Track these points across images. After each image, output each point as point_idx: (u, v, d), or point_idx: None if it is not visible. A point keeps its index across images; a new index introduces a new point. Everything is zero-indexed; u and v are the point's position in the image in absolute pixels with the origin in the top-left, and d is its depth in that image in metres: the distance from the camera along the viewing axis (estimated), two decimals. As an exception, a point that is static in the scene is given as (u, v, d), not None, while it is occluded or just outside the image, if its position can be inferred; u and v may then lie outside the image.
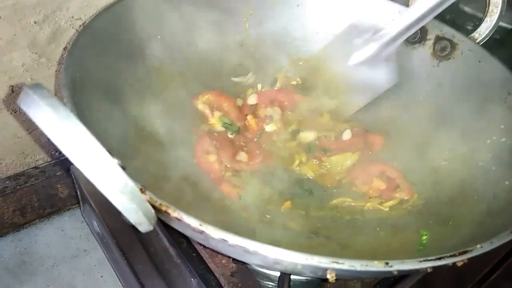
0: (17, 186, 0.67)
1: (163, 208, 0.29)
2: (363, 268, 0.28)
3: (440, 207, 0.47)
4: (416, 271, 0.32)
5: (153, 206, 0.29)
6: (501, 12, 0.55)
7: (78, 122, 0.24)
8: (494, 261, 0.52)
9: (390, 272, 0.28)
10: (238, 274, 0.46)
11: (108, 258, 0.60)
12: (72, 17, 0.62)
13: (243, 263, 0.47)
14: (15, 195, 0.67)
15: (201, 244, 0.47)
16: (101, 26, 0.49)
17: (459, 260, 0.30)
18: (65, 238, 0.69)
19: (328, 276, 0.29)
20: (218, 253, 0.46)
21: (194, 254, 0.49)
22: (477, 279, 0.51)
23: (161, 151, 0.49)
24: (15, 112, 0.63)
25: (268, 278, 0.48)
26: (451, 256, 0.29)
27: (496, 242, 0.31)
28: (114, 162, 0.25)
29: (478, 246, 0.30)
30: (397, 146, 0.57)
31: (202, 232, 0.28)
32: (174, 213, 0.29)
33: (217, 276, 0.47)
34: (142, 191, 0.28)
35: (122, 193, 0.25)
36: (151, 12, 0.55)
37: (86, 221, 0.68)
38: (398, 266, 0.28)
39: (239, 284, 0.45)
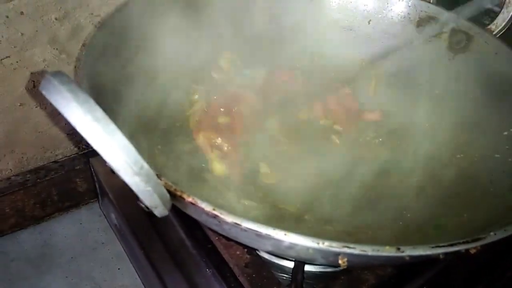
0: (38, 180, 0.68)
1: (178, 193, 0.29)
2: (374, 253, 0.28)
3: (455, 199, 0.47)
4: (429, 259, 0.31)
5: (168, 191, 0.29)
6: (518, 3, 0.54)
7: (97, 106, 0.25)
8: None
9: (402, 257, 0.28)
10: (252, 265, 0.47)
11: (125, 250, 0.61)
12: (92, 13, 0.64)
13: (257, 254, 0.48)
14: (36, 188, 0.69)
15: (214, 231, 0.47)
16: (116, 23, 0.50)
17: (472, 247, 0.29)
18: (83, 231, 0.70)
19: (340, 262, 0.29)
20: (232, 241, 0.46)
21: (210, 246, 0.50)
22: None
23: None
24: (36, 107, 0.65)
25: (282, 269, 0.48)
26: (464, 242, 0.29)
27: (510, 230, 0.31)
28: (130, 145, 0.25)
29: (492, 233, 0.30)
30: (412, 138, 0.56)
31: (215, 216, 0.29)
32: (189, 198, 0.29)
33: (232, 266, 0.47)
34: (158, 176, 0.29)
35: (138, 175, 0.26)
36: (167, 10, 0.56)
37: (104, 214, 0.69)
38: (409, 251, 0.28)
39: (253, 275, 0.46)
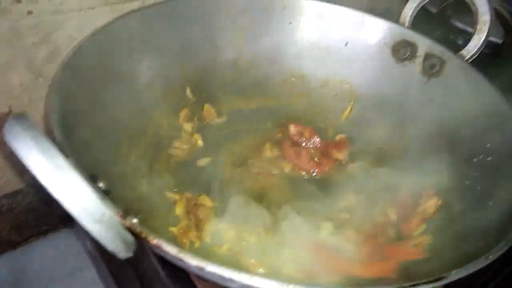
0: (14, 204, 0.68)
1: (143, 235, 0.29)
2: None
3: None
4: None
5: (133, 232, 0.29)
6: (489, 30, 0.56)
7: (59, 154, 0.25)
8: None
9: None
10: (227, 295, 0.46)
11: (99, 277, 0.61)
12: (70, 37, 0.63)
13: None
14: (12, 212, 0.68)
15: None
16: (93, 46, 0.50)
17: (435, 286, 0.30)
18: (60, 256, 0.69)
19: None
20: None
21: (183, 274, 0.50)
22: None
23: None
24: (12, 131, 0.64)
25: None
26: (425, 282, 0.30)
27: (470, 268, 0.31)
28: (92, 192, 0.25)
29: (453, 272, 0.31)
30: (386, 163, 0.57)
31: (180, 259, 0.29)
32: (154, 240, 0.29)
33: (208, 300, 0.47)
34: (123, 216, 0.29)
35: (100, 223, 0.26)
36: (143, 33, 0.56)
37: (81, 239, 0.69)
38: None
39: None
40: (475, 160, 0.50)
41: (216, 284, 0.46)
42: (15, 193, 0.68)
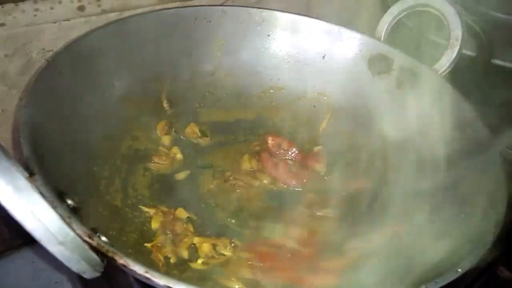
0: (-13, 218, 0.66)
1: (110, 254, 0.29)
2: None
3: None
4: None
5: (100, 252, 0.29)
6: (461, 45, 0.57)
7: (19, 175, 0.25)
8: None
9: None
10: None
11: (76, 291, 0.60)
12: (44, 49, 0.63)
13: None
14: (-14, 227, 0.66)
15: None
16: (67, 58, 0.50)
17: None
18: (36, 270, 0.68)
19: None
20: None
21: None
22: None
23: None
24: (-15, 144, 0.63)
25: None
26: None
27: (440, 282, 0.32)
28: (55, 213, 0.25)
29: (423, 287, 0.31)
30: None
31: (148, 278, 0.29)
32: (121, 259, 0.29)
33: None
34: (90, 236, 0.29)
35: (62, 244, 0.25)
36: (118, 45, 0.56)
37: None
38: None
39: (202, 320, 0.45)
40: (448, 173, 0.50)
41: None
42: (-12, 207, 0.67)
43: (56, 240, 0.25)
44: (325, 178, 0.60)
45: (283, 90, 0.69)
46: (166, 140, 0.60)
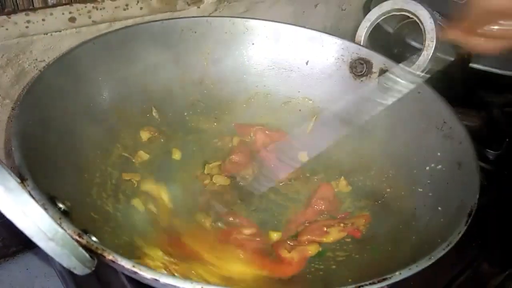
0: (-18, 226, 0.67)
1: (99, 251, 0.31)
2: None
3: (382, 235, 0.50)
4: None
5: (90, 249, 0.31)
6: (435, 46, 0.60)
7: (10, 176, 0.26)
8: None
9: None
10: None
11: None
12: (36, 59, 0.64)
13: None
14: (-20, 235, 0.67)
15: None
16: (56, 73, 0.51)
17: (379, 286, 0.32)
18: (30, 277, 0.69)
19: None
20: None
21: (150, 289, 0.51)
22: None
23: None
24: (-21, 153, 0.64)
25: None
26: (370, 283, 0.31)
27: (414, 269, 0.33)
28: (43, 212, 0.27)
29: (397, 273, 0.33)
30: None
31: (135, 272, 0.30)
32: (109, 255, 0.30)
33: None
34: (79, 235, 0.30)
35: (52, 240, 0.27)
36: (107, 56, 0.58)
37: (49, 259, 0.68)
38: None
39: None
40: (427, 168, 0.53)
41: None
42: (-18, 216, 0.68)
43: (46, 236, 0.27)
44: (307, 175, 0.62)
45: (269, 96, 0.71)
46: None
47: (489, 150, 0.77)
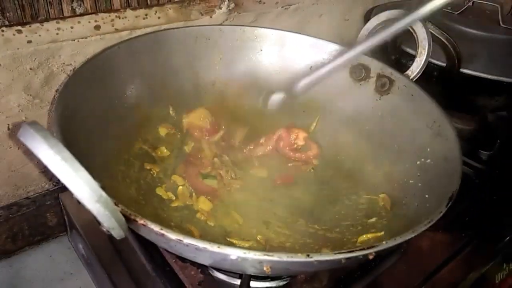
0: (10, 215, 0.73)
1: (132, 217, 0.36)
2: (289, 259, 0.35)
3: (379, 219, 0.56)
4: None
5: (124, 216, 0.36)
6: (428, 53, 0.65)
7: (65, 149, 0.32)
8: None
9: (311, 262, 0.36)
10: (205, 283, 0.53)
11: (92, 277, 0.66)
12: (64, 63, 0.71)
13: (209, 274, 0.55)
14: (8, 223, 0.73)
15: (169, 252, 0.54)
16: (88, 71, 0.58)
17: (368, 252, 0.37)
18: (53, 263, 0.75)
19: (265, 269, 0.37)
20: (187, 262, 0.53)
21: (168, 269, 0.56)
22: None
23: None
24: (10, 148, 0.70)
25: (232, 287, 0.55)
26: (360, 249, 0.37)
27: (398, 239, 0.39)
28: (91, 179, 0.32)
29: (384, 242, 0.38)
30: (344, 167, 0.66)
31: (163, 235, 0.36)
32: (141, 220, 0.36)
33: (187, 285, 0.54)
34: (115, 204, 0.36)
35: (98, 202, 0.33)
36: (131, 60, 0.64)
37: (72, 246, 0.74)
38: (316, 257, 0.35)
39: (206, 291, 0.52)
40: (418, 162, 0.58)
41: (196, 274, 0.53)
42: (11, 205, 0.74)
43: (93, 199, 0.32)
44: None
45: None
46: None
47: (482, 151, 0.83)
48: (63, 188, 0.74)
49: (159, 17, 0.75)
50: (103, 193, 0.33)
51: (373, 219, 0.55)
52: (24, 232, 0.76)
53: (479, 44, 0.83)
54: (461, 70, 0.75)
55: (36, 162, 0.75)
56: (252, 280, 0.52)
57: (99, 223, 0.35)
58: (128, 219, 0.37)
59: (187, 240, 0.35)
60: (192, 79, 0.72)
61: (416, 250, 0.64)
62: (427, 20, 0.67)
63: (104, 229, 0.36)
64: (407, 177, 0.58)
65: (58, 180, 0.32)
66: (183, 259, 0.55)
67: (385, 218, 0.55)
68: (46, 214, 0.77)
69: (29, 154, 0.75)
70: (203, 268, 0.55)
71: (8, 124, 0.69)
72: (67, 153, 0.32)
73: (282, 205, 0.61)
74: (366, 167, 0.66)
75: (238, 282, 0.53)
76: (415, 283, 0.59)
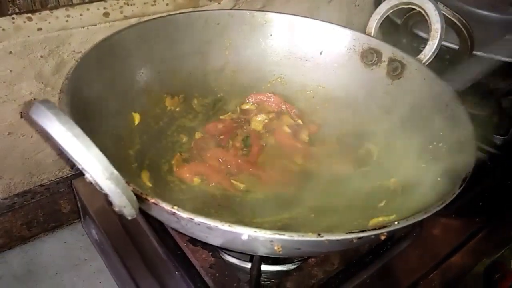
0: (24, 202, 0.74)
1: (143, 196, 0.36)
2: (300, 238, 0.35)
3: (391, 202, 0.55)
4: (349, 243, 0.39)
5: (136, 195, 0.36)
6: (440, 36, 0.64)
7: (76, 125, 0.32)
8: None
9: (323, 242, 0.36)
10: (216, 266, 0.53)
11: (105, 261, 0.67)
12: (74, 51, 0.71)
13: (220, 257, 0.55)
14: (23, 210, 0.74)
15: (180, 233, 0.54)
16: (97, 55, 0.58)
17: (380, 232, 0.37)
18: (67, 249, 0.76)
19: (276, 248, 0.37)
20: (198, 245, 0.53)
21: (179, 252, 0.57)
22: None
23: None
24: (23, 136, 0.71)
25: (242, 269, 0.55)
26: (372, 229, 0.37)
27: (411, 220, 0.38)
28: (103, 156, 0.33)
29: (396, 222, 0.38)
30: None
31: (174, 213, 0.36)
32: (152, 199, 0.36)
33: (198, 268, 0.54)
34: (127, 183, 0.36)
35: (110, 179, 0.33)
36: (139, 44, 0.64)
37: (86, 232, 0.75)
38: (327, 236, 0.35)
39: (216, 274, 0.52)
40: (430, 146, 0.57)
41: (207, 257, 0.54)
42: (26, 192, 0.75)
43: (104, 176, 0.32)
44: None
45: (285, 84, 0.77)
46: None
47: (496, 136, 0.82)
48: (77, 175, 0.75)
49: (167, 4, 0.75)
50: (115, 171, 0.33)
51: (383, 203, 0.55)
52: (39, 219, 0.77)
53: (491, 25, 0.81)
54: (474, 52, 0.74)
55: (50, 150, 0.76)
56: (263, 264, 0.52)
57: (110, 204, 0.35)
58: (139, 198, 0.37)
59: (198, 219, 0.35)
60: (201, 65, 0.72)
61: (429, 235, 0.63)
62: (438, 1, 0.66)
63: (116, 209, 0.36)
64: (419, 161, 0.57)
65: (72, 162, 0.32)
66: (195, 243, 0.56)
67: (397, 202, 0.55)
68: (59, 201, 0.78)
69: (43, 142, 0.76)
70: (214, 251, 0.55)
71: (21, 112, 0.70)
72: (79, 130, 0.32)
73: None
74: (377, 152, 0.65)
75: (249, 265, 0.54)
76: (427, 267, 0.59)
